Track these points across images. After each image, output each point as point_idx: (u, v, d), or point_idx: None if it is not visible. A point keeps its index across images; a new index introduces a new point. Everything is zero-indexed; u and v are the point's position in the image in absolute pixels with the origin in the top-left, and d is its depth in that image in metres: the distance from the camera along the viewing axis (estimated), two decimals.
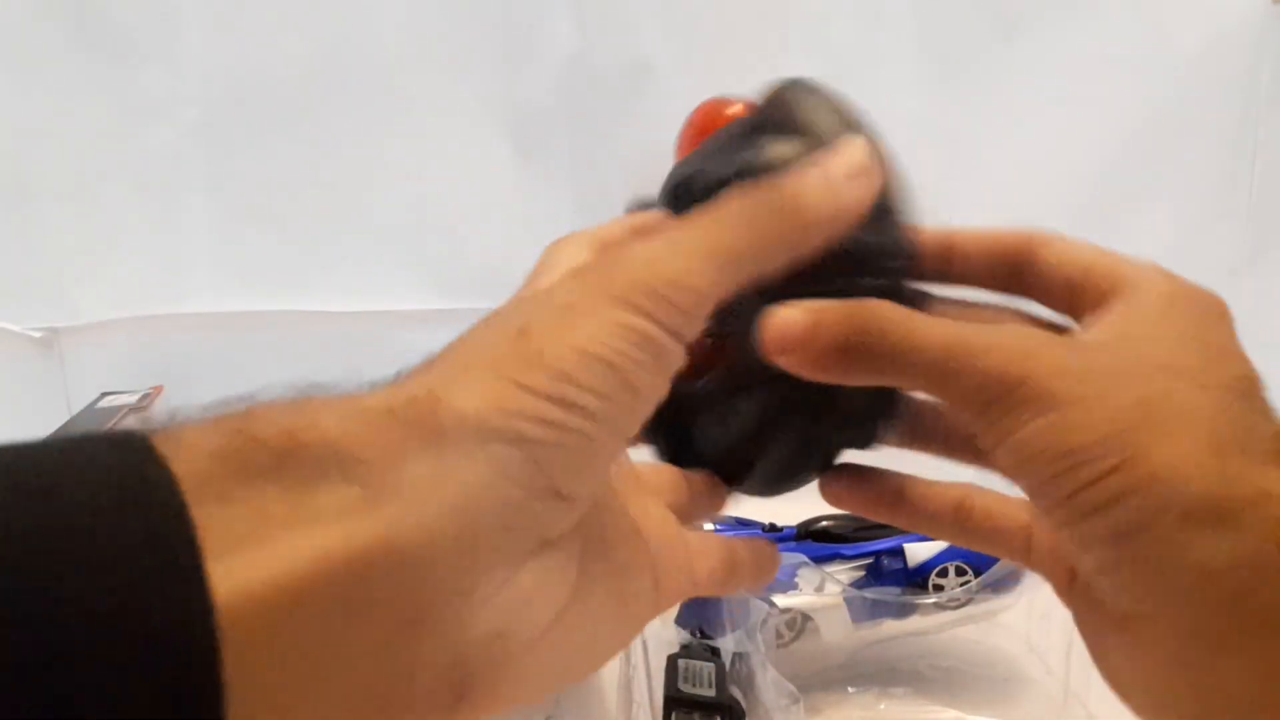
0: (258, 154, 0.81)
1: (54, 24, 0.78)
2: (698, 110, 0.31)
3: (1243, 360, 0.26)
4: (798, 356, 0.25)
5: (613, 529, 0.26)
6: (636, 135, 0.81)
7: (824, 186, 0.26)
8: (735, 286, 0.24)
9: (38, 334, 0.84)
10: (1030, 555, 0.30)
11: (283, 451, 0.20)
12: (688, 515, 0.30)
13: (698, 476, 0.31)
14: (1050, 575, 0.30)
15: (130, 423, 0.75)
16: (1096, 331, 0.27)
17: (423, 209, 0.83)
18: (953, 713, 0.58)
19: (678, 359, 0.24)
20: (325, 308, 0.83)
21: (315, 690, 0.19)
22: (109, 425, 0.73)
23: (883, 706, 0.59)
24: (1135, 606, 0.25)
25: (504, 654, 0.22)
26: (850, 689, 0.59)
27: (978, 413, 0.25)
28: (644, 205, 0.31)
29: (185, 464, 0.19)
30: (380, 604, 0.20)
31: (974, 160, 0.79)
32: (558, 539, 0.23)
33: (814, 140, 0.28)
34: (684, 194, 0.29)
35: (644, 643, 0.52)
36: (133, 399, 0.78)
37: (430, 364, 0.23)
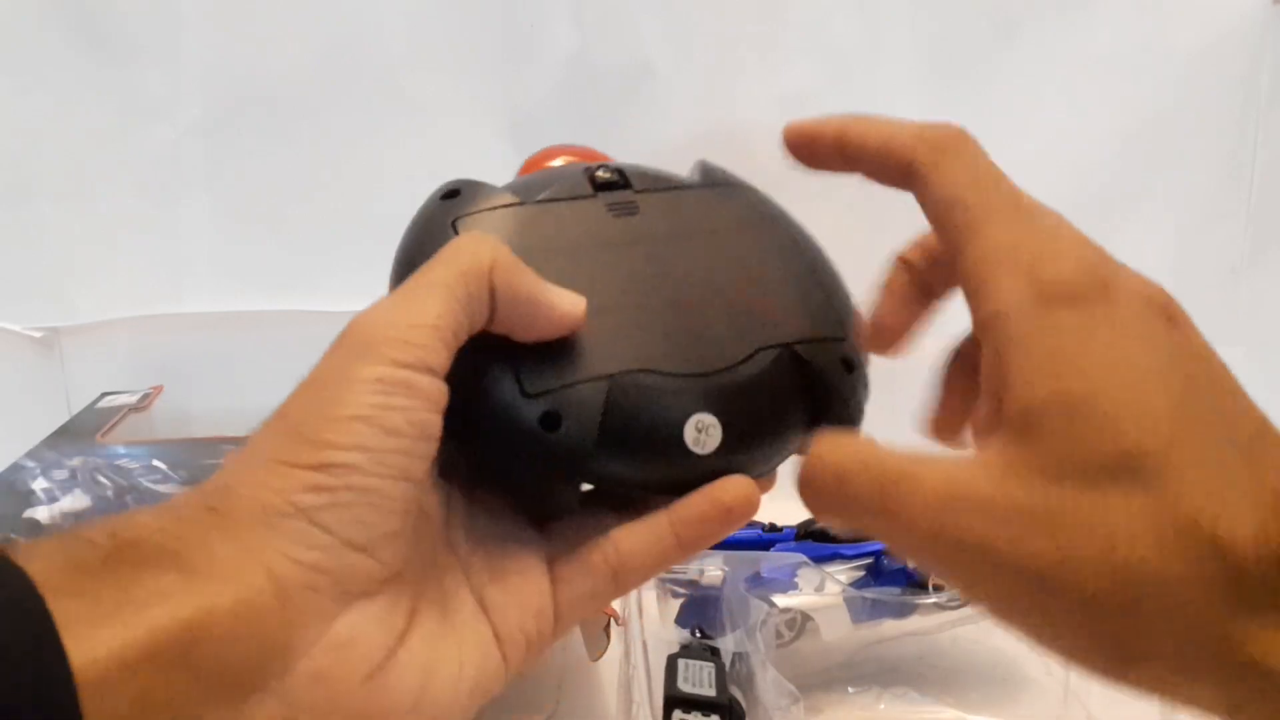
0: (258, 154, 0.81)
1: (54, 24, 0.78)
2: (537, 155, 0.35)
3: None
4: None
5: (450, 584, 0.28)
6: (636, 135, 0.81)
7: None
8: (470, 313, 0.27)
9: (38, 334, 0.84)
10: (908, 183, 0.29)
11: (110, 550, 0.23)
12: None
13: None
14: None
15: (131, 422, 0.75)
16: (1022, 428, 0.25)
17: None
18: (953, 713, 0.58)
19: (434, 390, 0.26)
20: (325, 308, 0.83)
21: None
22: (109, 425, 0.73)
23: (882, 706, 0.59)
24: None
25: (331, 698, 0.25)
26: (850, 689, 0.59)
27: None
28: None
29: (36, 567, 0.22)
30: (212, 669, 0.23)
31: None
32: (375, 589, 0.26)
33: None
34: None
35: (644, 643, 0.52)
36: (133, 399, 0.78)
37: (226, 463, 0.26)
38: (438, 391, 0.26)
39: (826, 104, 0.90)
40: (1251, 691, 0.22)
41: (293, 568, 0.24)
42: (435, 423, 0.26)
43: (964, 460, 0.25)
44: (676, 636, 0.57)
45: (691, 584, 0.57)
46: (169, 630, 0.22)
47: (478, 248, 0.28)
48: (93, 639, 0.21)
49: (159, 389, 0.81)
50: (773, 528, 0.63)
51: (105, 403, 0.78)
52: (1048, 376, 0.24)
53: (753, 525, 0.64)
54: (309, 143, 0.81)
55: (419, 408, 0.26)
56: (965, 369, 0.31)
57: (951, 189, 0.28)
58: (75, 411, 0.78)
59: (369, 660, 0.25)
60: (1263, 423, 0.24)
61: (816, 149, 0.31)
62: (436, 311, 0.26)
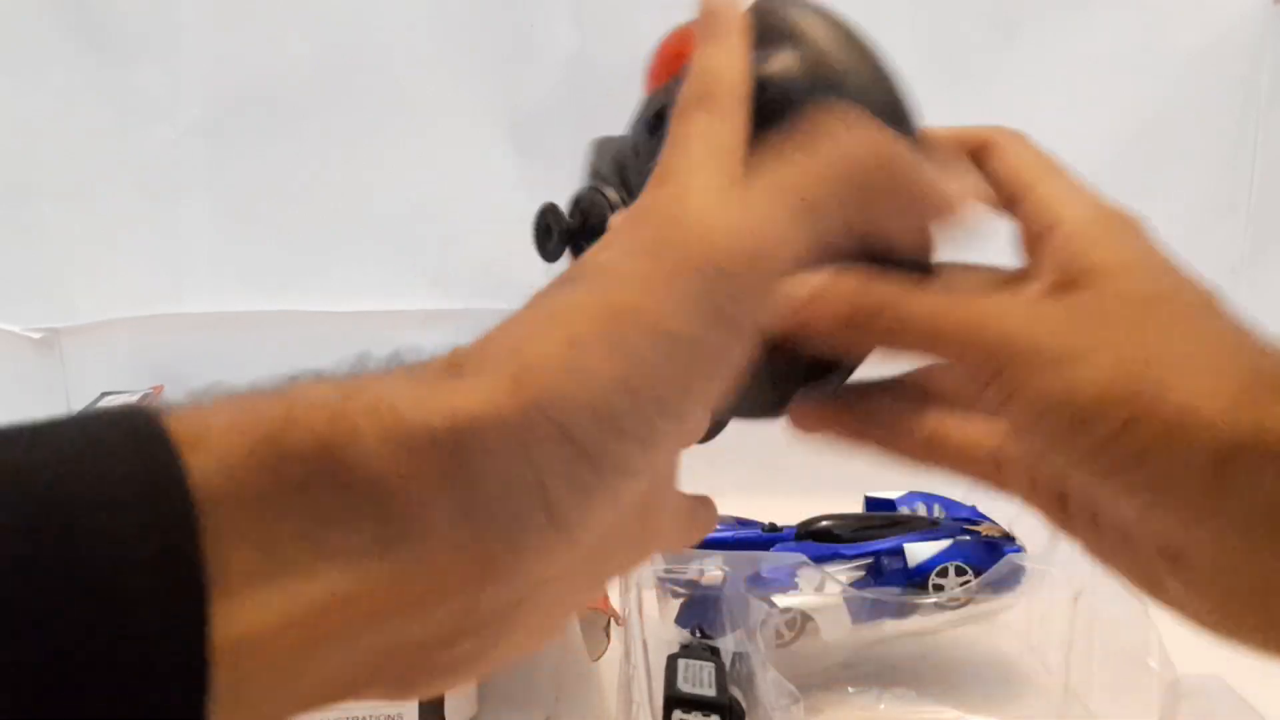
0: (258, 154, 0.81)
1: (54, 24, 0.78)
2: (667, 38, 0.31)
3: (1196, 275, 0.26)
4: (803, 326, 0.26)
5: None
6: None
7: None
8: (822, 243, 0.24)
9: (38, 335, 0.83)
10: (1002, 478, 0.29)
11: (312, 472, 0.19)
12: None
13: None
14: (1034, 501, 0.29)
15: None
16: (1070, 278, 0.26)
17: (422, 209, 0.83)
18: (953, 713, 0.58)
19: (753, 334, 0.23)
20: (325, 308, 0.83)
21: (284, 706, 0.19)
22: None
23: (883, 706, 0.59)
24: (1181, 545, 0.24)
25: (457, 669, 0.22)
26: (850, 689, 0.59)
27: (983, 380, 0.25)
28: (610, 142, 0.32)
29: (207, 475, 0.18)
30: (369, 637, 0.20)
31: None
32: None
33: (809, 49, 0.28)
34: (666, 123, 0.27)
35: (644, 642, 0.52)
36: (133, 399, 0.78)
37: (496, 348, 0.21)
38: (752, 339, 0.24)
39: None
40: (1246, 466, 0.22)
41: (507, 551, 0.21)
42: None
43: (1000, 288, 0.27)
44: (676, 636, 0.57)
45: (691, 584, 0.57)
46: (345, 607, 0.19)
47: None
48: (250, 607, 0.18)
49: (159, 389, 0.81)
50: (773, 528, 0.63)
51: (105, 403, 0.78)
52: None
53: (753, 525, 0.64)
54: (309, 143, 0.81)
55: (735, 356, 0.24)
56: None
57: (1028, 154, 0.31)
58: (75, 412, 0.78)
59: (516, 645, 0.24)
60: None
61: None
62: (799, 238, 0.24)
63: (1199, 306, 0.25)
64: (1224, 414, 0.23)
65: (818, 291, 0.26)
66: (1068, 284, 0.25)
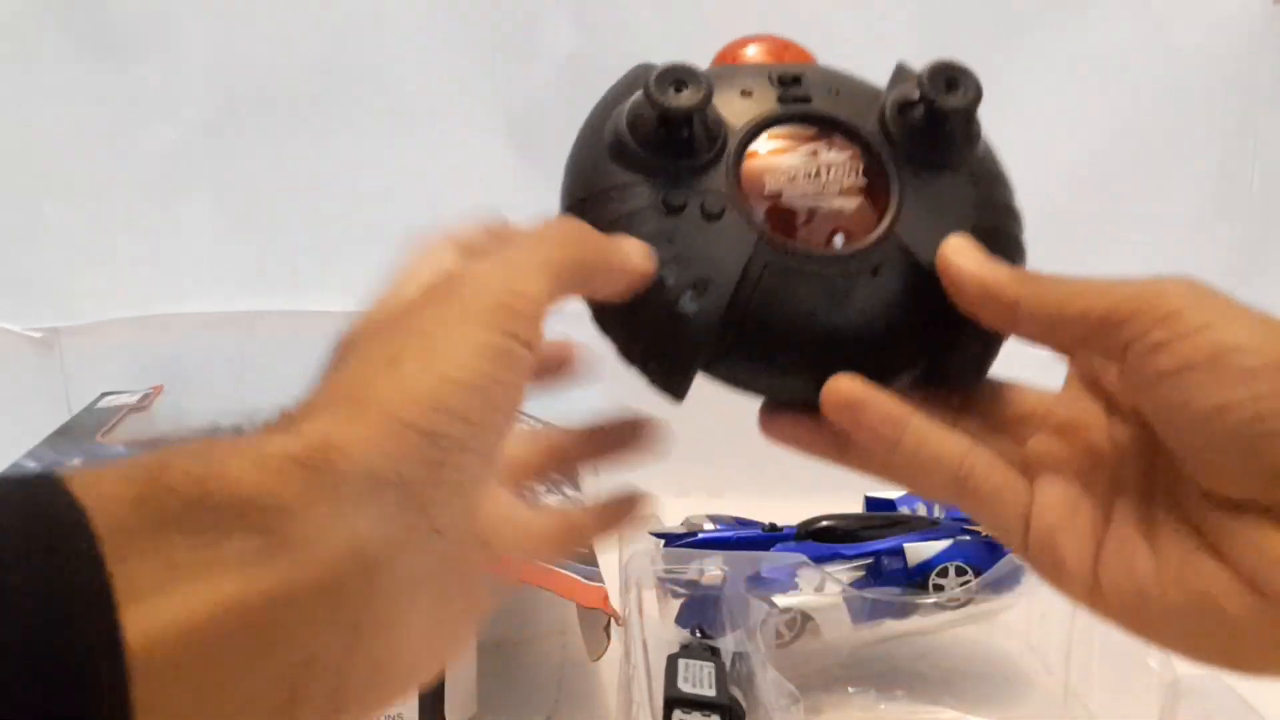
0: (258, 154, 0.81)
1: (54, 24, 0.78)
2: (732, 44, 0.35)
3: None
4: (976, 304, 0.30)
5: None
6: None
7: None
8: (567, 293, 0.28)
9: (38, 334, 0.83)
10: (1027, 539, 0.29)
11: (192, 500, 0.21)
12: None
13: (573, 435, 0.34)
14: (1042, 567, 0.29)
15: (131, 422, 0.75)
16: None
17: (423, 209, 0.83)
18: (953, 713, 0.58)
19: (530, 366, 0.26)
20: (325, 308, 0.83)
21: (212, 708, 0.21)
22: (110, 425, 0.73)
23: (883, 707, 0.59)
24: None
25: (380, 677, 0.24)
26: (850, 689, 0.59)
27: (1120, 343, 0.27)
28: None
29: (101, 512, 0.20)
30: (276, 646, 0.22)
31: None
32: (435, 571, 0.25)
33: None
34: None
35: (644, 642, 0.52)
36: (133, 399, 0.78)
37: (319, 399, 0.25)
38: (530, 368, 0.26)
39: None
40: None
41: (382, 545, 0.23)
42: (520, 401, 0.26)
43: None
44: (676, 636, 0.57)
45: (691, 584, 0.57)
46: (242, 604, 0.21)
47: (583, 238, 0.29)
48: (155, 610, 0.20)
49: (159, 389, 0.81)
50: (773, 528, 0.63)
51: (105, 403, 0.78)
52: None
53: (753, 525, 0.64)
54: (309, 143, 0.81)
55: (517, 383, 0.26)
56: None
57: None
58: (75, 411, 0.78)
59: (419, 641, 0.25)
60: None
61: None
62: (544, 289, 0.27)
63: None
64: None
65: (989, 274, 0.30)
66: None
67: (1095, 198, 0.81)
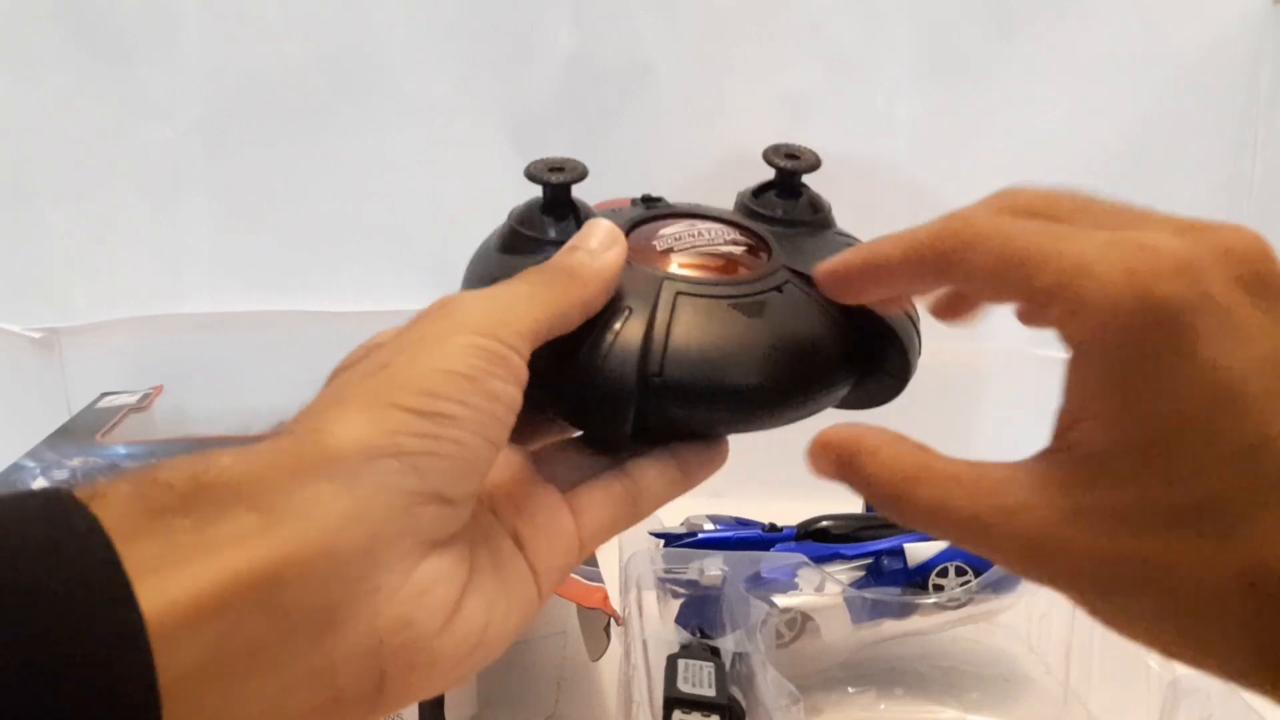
0: (258, 154, 0.81)
1: (54, 24, 0.78)
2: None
3: None
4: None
5: (491, 528, 0.29)
6: (636, 135, 0.81)
7: (586, 256, 0.31)
8: (547, 324, 0.29)
9: (37, 335, 0.83)
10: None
11: (187, 493, 0.23)
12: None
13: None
14: None
15: (131, 422, 0.75)
16: None
17: (423, 209, 0.83)
18: (953, 713, 0.58)
19: (522, 371, 0.28)
20: (325, 308, 0.83)
21: (246, 692, 0.22)
22: (109, 425, 0.73)
23: (883, 707, 0.59)
24: None
25: (413, 642, 0.25)
26: (850, 689, 0.59)
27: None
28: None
29: (105, 510, 0.22)
30: (294, 611, 0.23)
31: (973, 160, 0.79)
32: (447, 540, 0.26)
33: None
34: None
35: (644, 642, 0.52)
36: (133, 399, 0.78)
37: (303, 412, 0.26)
38: (523, 372, 0.28)
39: (826, 104, 0.90)
40: None
41: (385, 510, 0.24)
42: (519, 400, 0.28)
43: (1021, 478, 0.25)
44: (676, 636, 0.57)
45: (691, 584, 0.57)
46: (251, 572, 0.22)
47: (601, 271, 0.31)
48: (167, 584, 0.21)
49: (159, 389, 0.81)
50: (773, 528, 0.63)
51: (105, 403, 0.78)
52: (1121, 422, 0.24)
53: (753, 525, 0.64)
54: (309, 143, 0.81)
55: (510, 379, 0.27)
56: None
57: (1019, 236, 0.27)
58: (75, 412, 0.78)
59: (446, 606, 0.26)
60: None
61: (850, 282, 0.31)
62: (531, 319, 0.28)
63: None
64: None
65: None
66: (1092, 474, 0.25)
67: None
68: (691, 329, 0.31)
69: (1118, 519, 0.24)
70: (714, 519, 0.65)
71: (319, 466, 0.24)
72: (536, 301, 0.29)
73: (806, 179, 0.38)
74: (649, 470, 0.33)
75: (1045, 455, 0.26)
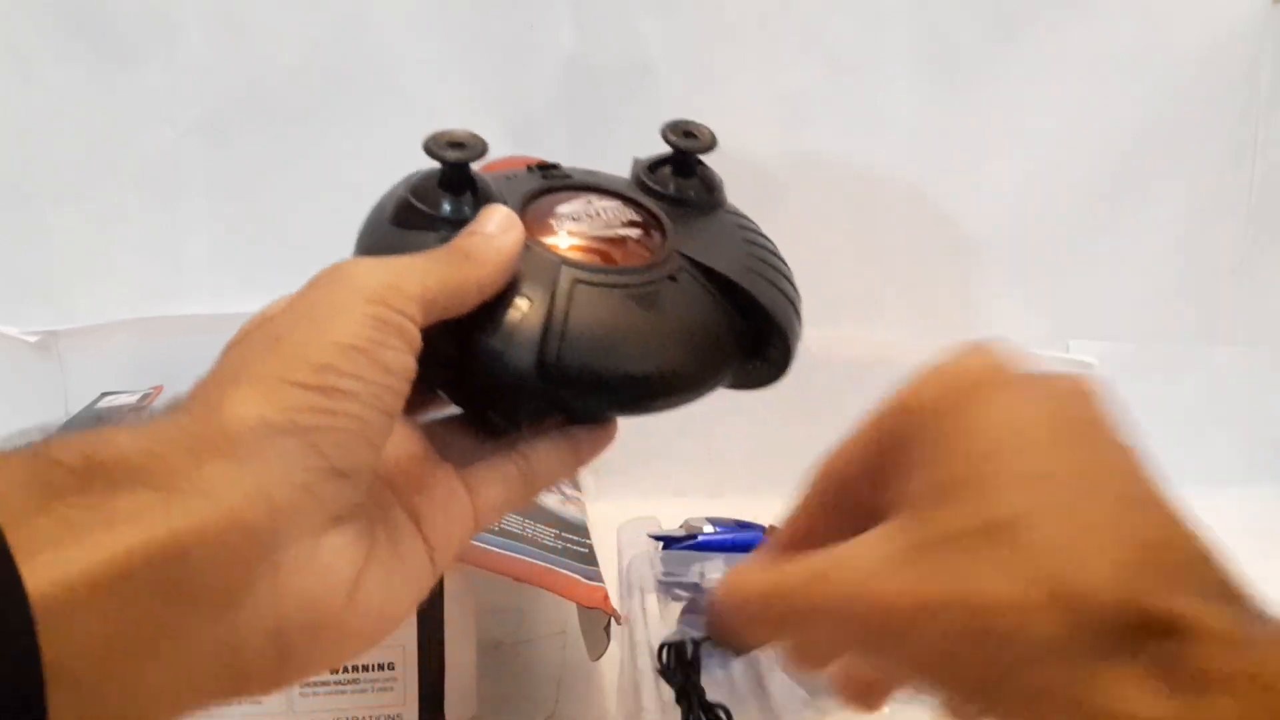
0: (257, 154, 0.81)
1: (54, 24, 0.78)
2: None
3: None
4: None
5: (388, 505, 0.30)
6: (636, 135, 0.81)
7: (482, 240, 0.32)
8: (442, 295, 0.30)
9: (34, 338, 0.83)
10: None
11: (82, 470, 0.22)
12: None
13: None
14: None
15: (131, 423, 0.74)
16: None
17: None
18: None
19: (415, 338, 0.28)
20: None
21: (147, 670, 0.22)
22: (109, 425, 0.72)
23: (887, 710, 0.58)
24: None
25: (316, 616, 0.26)
26: None
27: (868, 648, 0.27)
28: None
29: None
30: (195, 589, 0.23)
31: (973, 160, 0.78)
32: (347, 516, 0.27)
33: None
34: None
35: (647, 640, 0.52)
36: (133, 399, 0.78)
37: (199, 387, 0.27)
38: (417, 339, 0.28)
39: (826, 104, 0.90)
40: None
41: (286, 487, 0.24)
42: (414, 368, 0.28)
43: (857, 549, 0.26)
44: (679, 634, 0.57)
45: (693, 587, 0.57)
46: (148, 549, 0.22)
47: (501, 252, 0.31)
48: (58, 562, 0.21)
49: (159, 389, 0.81)
50: (773, 529, 0.62)
51: (105, 403, 0.78)
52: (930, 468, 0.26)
53: (755, 528, 0.64)
54: (309, 143, 0.81)
55: (405, 349, 0.28)
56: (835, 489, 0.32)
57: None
58: (74, 412, 0.78)
59: (347, 581, 0.27)
60: (1149, 488, 0.25)
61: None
62: (420, 288, 0.29)
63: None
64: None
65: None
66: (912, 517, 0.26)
67: (1094, 197, 0.81)
68: (589, 319, 0.32)
69: (932, 552, 0.25)
70: (714, 521, 0.65)
71: (217, 445, 0.24)
72: (432, 274, 0.30)
73: (705, 158, 0.39)
74: (542, 450, 0.34)
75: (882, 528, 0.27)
